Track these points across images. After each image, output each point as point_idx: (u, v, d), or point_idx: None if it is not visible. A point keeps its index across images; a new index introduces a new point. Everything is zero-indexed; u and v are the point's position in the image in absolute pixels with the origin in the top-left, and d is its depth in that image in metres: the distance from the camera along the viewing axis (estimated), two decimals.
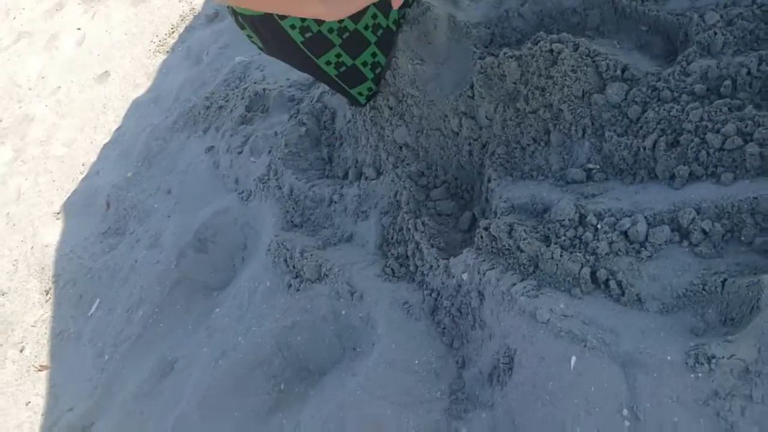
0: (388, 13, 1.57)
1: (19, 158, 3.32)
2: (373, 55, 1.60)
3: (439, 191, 1.65)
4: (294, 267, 1.73)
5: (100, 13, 3.98)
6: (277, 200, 1.99)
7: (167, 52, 3.19)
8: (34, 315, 2.40)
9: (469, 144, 1.59)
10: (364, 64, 1.60)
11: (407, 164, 1.72)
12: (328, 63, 1.58)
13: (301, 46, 1.53)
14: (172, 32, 3.25)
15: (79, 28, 4.01)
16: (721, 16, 1.28)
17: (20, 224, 2.90)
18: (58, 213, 2.78)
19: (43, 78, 3.81)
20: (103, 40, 3.69)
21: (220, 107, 2.46)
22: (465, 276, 1.33)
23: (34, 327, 2.39)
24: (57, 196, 2.89)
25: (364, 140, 1.87)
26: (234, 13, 1.52)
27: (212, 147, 2.39)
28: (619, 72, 1.33)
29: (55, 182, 2.97)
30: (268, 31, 1.50)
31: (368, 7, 1.50)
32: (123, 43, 3.52)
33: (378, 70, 1.64)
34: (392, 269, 1.57)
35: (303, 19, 1.46)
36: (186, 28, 3.18)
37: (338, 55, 1.56)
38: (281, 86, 2.29)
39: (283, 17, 1.44)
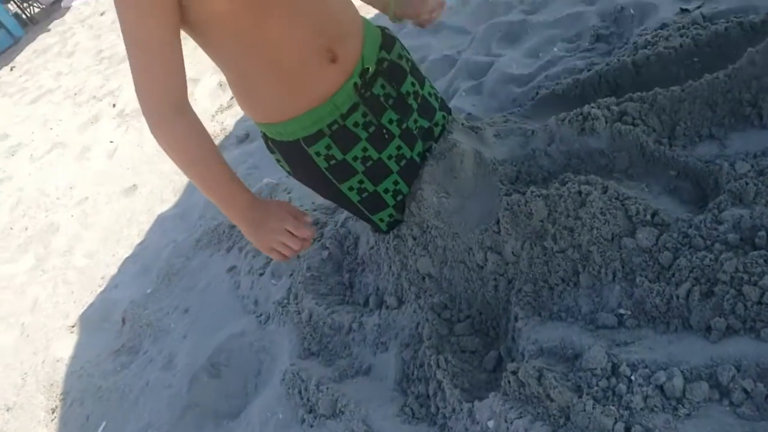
0: (413, 145, 1.60)
1: (39, 267, 3.33)
2: (395, 183, 1.61)
3: (463, 326, 1.60)
4: (308, 400, 1.67)
5: (133, 128, 4.12)
6: (295, 325, 1.95)
7: None
8: None
9: (495, 279, 1.57)
10: (386, 191, 1.61)
11: (430, 295, 1.68)
12: (351, 189, 1.59)
13: (326, 172, 1.54)
14: None
15: (111, 141, 4.15)
16: (752, 166, 1.28)
17: (34, 335, 2.86)
18: (73, 326, 2.75)
19: (71, 188, 3.90)
20: (134, 154, 3.80)
21: None
22: (491, 424, 1.27)
23: None
24: (74, 308, 2.87)
25: (387, 268, 1.85)
26: (265, 137, 1.56)
27: (234, 267, 2.38)
28: (649, 217, 1.32)
29: (73, 294, 2.96)
30: (296, 157, 1.53)
31: (393, 138, 1.53)
32: (153, 158, 3.61)
33: (399, 198, 1.64)
34: (412, 409, 1.50)
35: (329, 147, 1.49)
36: (217, 147, 3.26)
37: (360, 182, 1.58)
38: (306, 209, 2.31)
39: (310, 144, 1.48)
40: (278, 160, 1.60)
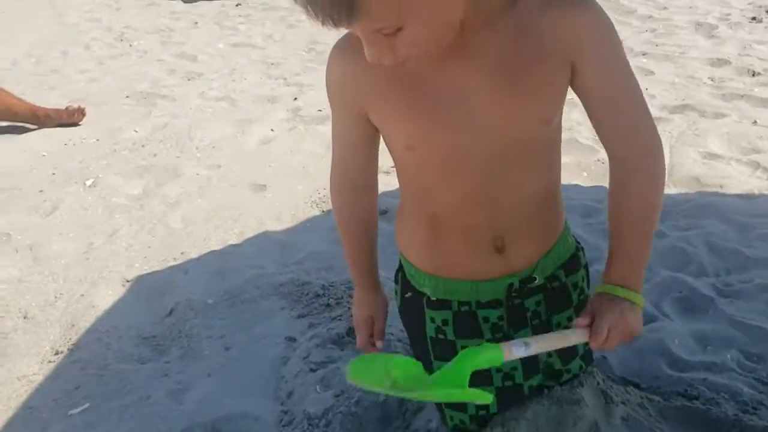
0: (531, 376, 1.38)
1: (141, 200, 3.31)
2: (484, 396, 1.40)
3: None
4: None
5: (301, 129, 4.09)
6: None
7: None
8: None
9: None
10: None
11: None
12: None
13: (429, 340, 1.38)
14: None
15: (272, 130, 4.14)
16: None
17: (93, 262, 2.81)
18: (129, 281, 2.67)
19: (213, 147, 3.90)
20: (272, 151, 3.75)
21: None
22: None
23: None
24: (140, 264, 2.80)
25: None
26: (400, 263, 1.45)
27: (294, 340, 2.21)
28: None
29: (149, 249, 2.89)
30: (411, 303, 1.41)
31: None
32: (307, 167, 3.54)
33: (483, 412, 1.42)
34: None
35: (445, 323, 1.35)
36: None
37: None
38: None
39: (430, 306, 1.36)
40: (395, 290, 1.49)
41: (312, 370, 2.05)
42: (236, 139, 4.07)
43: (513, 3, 1.05)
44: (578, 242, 1.44)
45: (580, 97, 1.13)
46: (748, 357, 1.98)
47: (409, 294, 1.41)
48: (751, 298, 2.21)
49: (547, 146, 1.22)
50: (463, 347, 1.33)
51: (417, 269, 1.36)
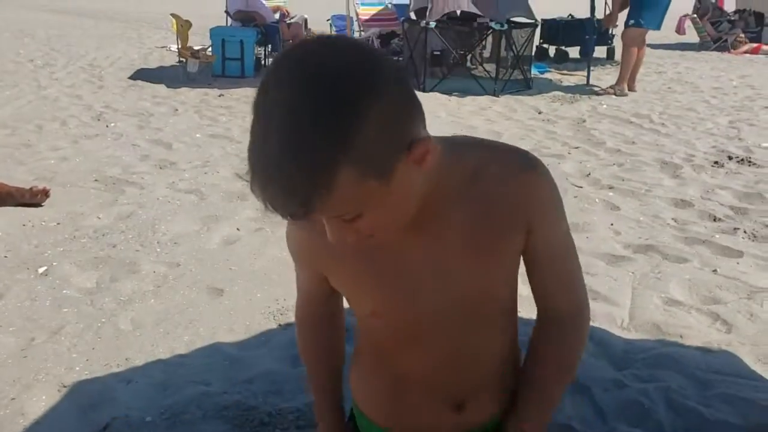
0: None
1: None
2: None
3: None
4: None
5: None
6: None
7: None
8: None
9: None
10: None
11: None
12: None
13: None
14: None
15: (238, 229, 4.08)
16: None
17: None
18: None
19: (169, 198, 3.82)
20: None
21: None
22: None
23: None
24: None
25: None
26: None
27: None
28: None
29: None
30: None
31: None
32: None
33: None
34: None
35: None
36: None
37: None
38: None
39: None
40: None
41: None
42: (200, 236, 4.00)
43: (474, 176, 1.05)
44: None
45: (523, 256, 1.15)
46: None
47: None
48: None
49: (509, 308, 1.22)
50: None
51: (370, 422, 1.31)
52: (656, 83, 9.91)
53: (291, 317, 3.08)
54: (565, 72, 11.00)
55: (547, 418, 1.24)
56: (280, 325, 3.03)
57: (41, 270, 3.45)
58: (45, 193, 4.33)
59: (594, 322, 2.95)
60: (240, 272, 3.52)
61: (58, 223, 4.10)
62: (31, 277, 3.37)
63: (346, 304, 1.31)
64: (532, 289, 1.20)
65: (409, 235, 1.05)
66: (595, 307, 3.03)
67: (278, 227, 4.13)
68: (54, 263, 3.53)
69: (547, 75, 10.65)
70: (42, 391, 2.50)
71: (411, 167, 0.89)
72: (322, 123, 0.79)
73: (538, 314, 1.23)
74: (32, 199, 4.29)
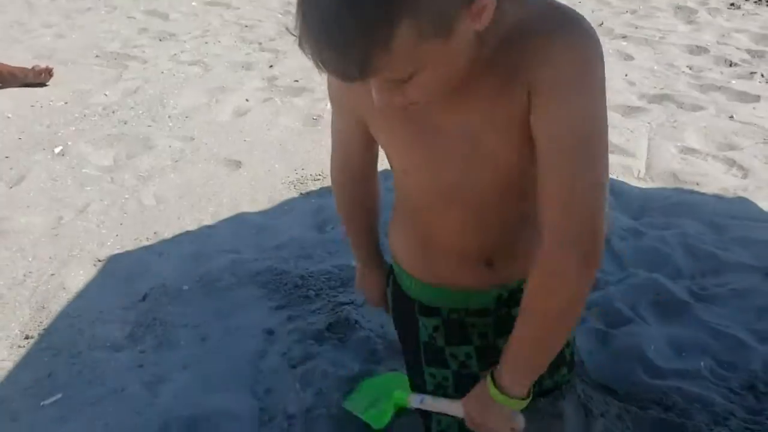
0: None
1: (112, 172, 3.21)
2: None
3: None
4: None
5: (276, 101, 3.99)
6: None
7: None
8: None
9: None
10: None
11: None
12: (432, 376, 1.39)
13: (421, 344, 1.37)
14: None
15: (247, 100, 4.04)
16: None
17: (62, 240, 2.73)
18: (100, 261, 2.60)
19: (186, 117, 3.80)
20: (253, 125, 3.67)
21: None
22: None
23: None
24: (112, 243, 2.73)
25: None
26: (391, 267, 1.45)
27: (273, 333, 2.19)
28: None
29: (121, 226, 2.82)
30: (404, 308, 1.39)
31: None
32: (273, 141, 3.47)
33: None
34: None
35: (436, 329, 1.33)
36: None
37: (445, 379, 1.38)
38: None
39: (422, 313, 1.35)
40: (387, 293, 1.50)
41: (292, 366, 2.04)
42: (210, 108, 3.96)
43: (506, 38, 0.95)
44: None
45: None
46: (720, 365, 2.02)
47: (401, 299, 1.40)
48: (725, 303, 2.26)
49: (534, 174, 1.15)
50: (451, 354, 1.35)
51: (409, 275, 1.35)
52: None
53: (311, 186, 3.11)
54: None
55: (526, 383, 1.13)
56: (301, 194, 3.07)
57: (57, 150, 3.46)
58: (48, 72, 4.24)
59: (611, 174, 2.98)
60: (255, 143, 3.52)
61: (66, 102, 4.05)
62: (48, 158, 3.38)
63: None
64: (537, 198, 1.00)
65: (442, 103, 1.02)
66: (611, 159, 3.05)
67: (288, 96, 4.08)
68: (69, 143, 3.53)
69: None
70: (78, 266, 2.58)
71: (468, 24, 0.84)
72: None
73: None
74: (36, 78, 4.21)
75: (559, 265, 0.97)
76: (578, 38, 0.92)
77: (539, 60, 0.91)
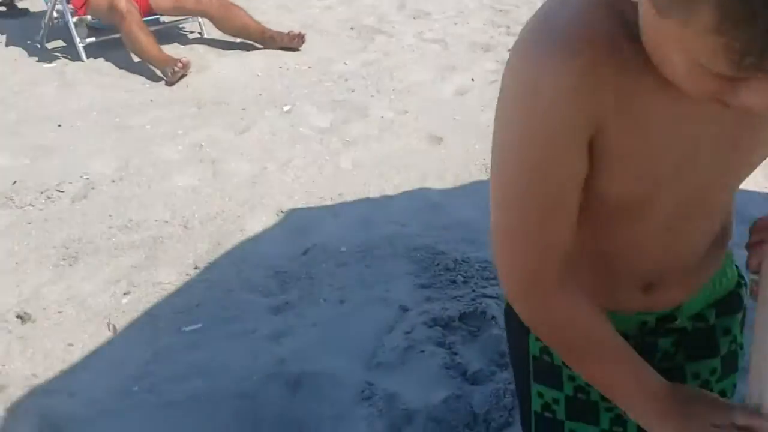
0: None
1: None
2: None
3: None
4: None
5: None
6: None
7: None
8: None
9: None
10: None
11: None
12: (540, 395, 1.18)
13: (531, 360, 1.17)
14: None
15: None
16: None
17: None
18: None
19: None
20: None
21: None
22: None
23: None
24: None
25: None
26: None
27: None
28: None
29: None
30: (515, 322, 1.15)
31: None
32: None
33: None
34: None
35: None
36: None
37: (555, 401, 1.16)
38: None
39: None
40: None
41: (410, 347, 1.94)
42: (434, 85, 3.95)
43: None
44: (742, 276, 1.14)
45: None
46: None
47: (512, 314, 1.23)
48: None
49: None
50: (569, 377, 1.13)
51: None
52: None
53: None
54: None
55: None
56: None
57: (286, 108, 3.71)
58: (301, 38, 4.58)
59: None
60: (463, 123, 3.43)
61: (309, 67, 4.33)
62: (276, 114, 3.65)
63: None
64: None
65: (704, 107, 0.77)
66: None
67: None
68: (297, 103, 3.77)
69: None
70: (263, 213, 2.74)
71: None
72: None
73: None
74: (290, 43, 4.57)
75: None
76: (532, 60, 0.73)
77: None
